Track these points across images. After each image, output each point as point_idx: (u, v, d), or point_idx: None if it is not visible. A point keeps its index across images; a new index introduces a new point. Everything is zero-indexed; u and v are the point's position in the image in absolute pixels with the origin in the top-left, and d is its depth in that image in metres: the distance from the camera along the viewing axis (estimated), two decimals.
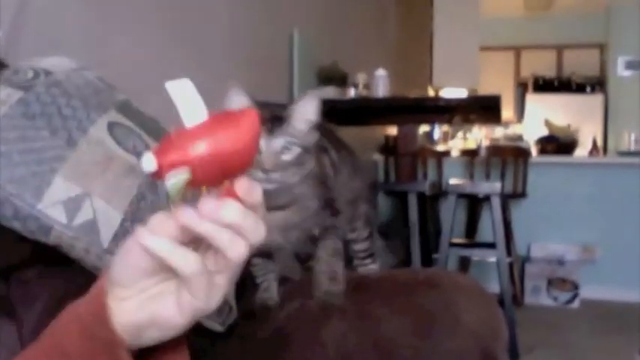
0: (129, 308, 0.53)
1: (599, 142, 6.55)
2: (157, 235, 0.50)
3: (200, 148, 0.47)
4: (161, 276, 0.53)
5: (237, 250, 0.50)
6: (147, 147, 1.00)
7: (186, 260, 0.50)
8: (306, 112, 0.99)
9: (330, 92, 3.27)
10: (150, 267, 0.52)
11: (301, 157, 0.97)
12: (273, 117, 0.97)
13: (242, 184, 0.50)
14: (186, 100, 0.49)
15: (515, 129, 7.62)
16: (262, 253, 1.10)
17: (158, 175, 0.48)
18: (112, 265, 0.53)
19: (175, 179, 0.47)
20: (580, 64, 7.86)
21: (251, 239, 0.51)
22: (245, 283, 1.11)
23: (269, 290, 1.11)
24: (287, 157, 0.96)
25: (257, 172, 0.93)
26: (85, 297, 0.55)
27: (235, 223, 0.49)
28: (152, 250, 0.49)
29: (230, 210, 0.49)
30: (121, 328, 0.52)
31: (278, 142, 0.95)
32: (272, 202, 1.00)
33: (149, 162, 0.47)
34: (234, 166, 0.49)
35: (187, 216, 0.49)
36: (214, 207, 0.49)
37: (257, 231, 0.51)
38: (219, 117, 0.50)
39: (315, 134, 1.01)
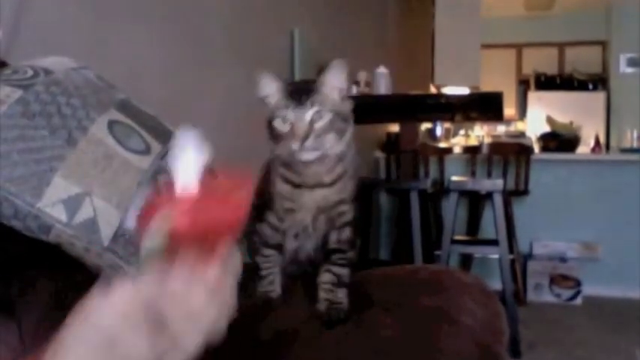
0: None
1: (602, 140, 6.54)
2: None
3: (186, 217, 0.47)
4: None
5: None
6: (147, 145, 1.00)
7: None
8: (334, 80, 1.03)
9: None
10: None
11: (335, 123, 1.01)
12: (301, 89, 1.02)
13: (223, 251, 0.50)
14: (187, 154, 0.49)
15: (517, 126, 7.61)
16: (274, 245, 1.11)
17: (143, 224, 0.48)
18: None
19: (152, 242, 0.47)
20: (582, 61, 7.84)
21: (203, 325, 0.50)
22: (245, 281, 1.11)
23: (273, 283, 1.11)
24: (319, 124, 0.99)
25: (292, 144, 0.98)
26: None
27: (210, 285, 0.49)
28: None
29: (208, 273, 0.49)
30: None
31: (308, 113, 0.99)
32: (316, 180, 1.05)
33: (132, 220, 0.47)
34: (222, 231, 0.49)
35: (166, 277, 0.48)
36: (193, 269, 0.48)
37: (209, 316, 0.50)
38: (216, 180, 0.51)
39: (350, 102, 1.05)
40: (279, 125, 1.01)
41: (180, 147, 0.48)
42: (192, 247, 0.48)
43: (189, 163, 0.48)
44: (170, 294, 0.48)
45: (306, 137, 0.97)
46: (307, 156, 1.00)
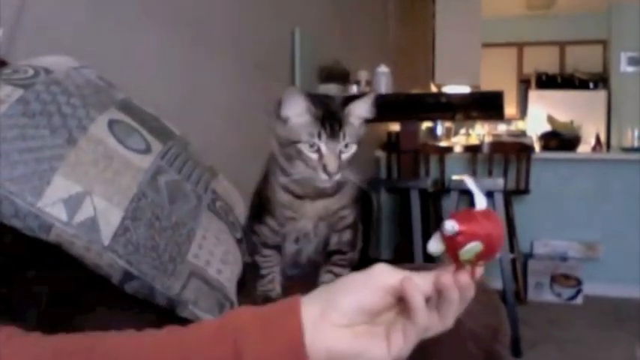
0: (343, 337, 0.59)
1: (603, 139, 6.54)
2: (418, 292, 0.60)
3: (492, 230, 0.60)
4: (381, 318, 0.61)
5: (452, 319, 0.63)
6: (147, 144, 1.00)
7: (425, 318, 0.61)
8: (362, 110, 1.04)
9: (332, 90, 3.27)
10: (381, 309, 0.61)
11: (354, 152, 1.03)
12: (332, 118, 1.00)
13: (479, 271, 0.62)
14: (478, 192, 0.63)
15: (518, 125, 7.61)
16: (273, 246, 1.11)
17: (453, 240, 0.59)
18: (341, 293, 0.61)
19: (472, 246, 0.59)
20: (583, 60, 7.84)
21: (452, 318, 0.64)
22: (245, 280, 1.11)
23: (273, 282, 1.11)
24: (345, 156, 1.01)
25: (322, 174, 0.98)
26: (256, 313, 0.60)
27: (465, 301, 0.63)
28: (411, 299, 0.60)
29: (472, 291, 0.62)
30: (325, 353, 0.58)
31: (339, 146, 0.99)
32: (318, 191, 1.05)
33: (452, 226, 0.59)
34: (493, 252, 0.60)
35: (447, 283, 0.60)
36: (467, 283, 0.61)
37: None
38: (488, 212, 0.63)
39: (364, 127, 1.06)
40: (305, 151, 0.99)
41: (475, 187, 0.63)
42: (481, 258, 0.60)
43: (480, 194, 0.63)
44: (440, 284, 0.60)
45: (337, 171, 0.98)
46: (325, 184, 1.00)
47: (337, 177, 0.99)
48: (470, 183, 0.64)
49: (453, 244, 0.59)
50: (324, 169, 0.97)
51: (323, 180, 0.99)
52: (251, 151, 2.43)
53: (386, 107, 3.29)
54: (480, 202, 0.62)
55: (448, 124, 6.10)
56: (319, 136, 0.98)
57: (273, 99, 1.04)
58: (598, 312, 3.90)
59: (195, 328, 0.60)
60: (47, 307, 0.84)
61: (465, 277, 0.60)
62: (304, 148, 0.99)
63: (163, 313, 0.92)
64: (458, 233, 0.59)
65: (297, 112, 1.01)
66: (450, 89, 5.82)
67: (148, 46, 1.79)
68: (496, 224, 0.60)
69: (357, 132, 1.02)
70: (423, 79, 6.11)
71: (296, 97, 1.00)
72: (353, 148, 1.01)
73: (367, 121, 1.06)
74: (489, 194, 3.12)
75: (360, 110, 1.03)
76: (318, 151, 0.98)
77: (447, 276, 0.60)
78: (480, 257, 0.60)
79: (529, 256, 4.35)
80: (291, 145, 1.00)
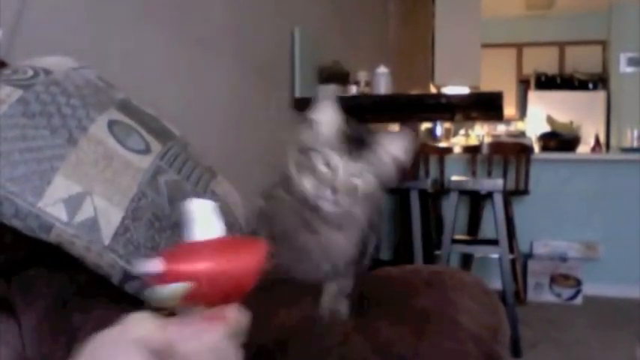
0: None
1: (602, 139, 6.54)
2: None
3: (209, 266, 0.49)
4: None
5: None
6: (147, 145, 1.00)
7: None
8: (394, 146, 0.96)
9: (332, 90, 3.27)
10: None
11: (373, 188, 0.93)
12: (357, 138, 0.93)
13: (233, 312, 0.51)
14: (206, 217, 0.51)
15: (517, 126, 7.61)
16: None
17: (161, 280, 0.48)
18: None
19: (176, 286, 0.48)
20: (582, 60, 7.84)
21: None
22: None
23: None
24: (358, 182, 0.91)
25: (326, 190, 0.90)
26: None
27: (216, 349, 0.50)
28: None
29: (215, 335, 0.49)
30: None
31: (355, 166, 0.91)
32: (333, 222, 0.96)
33: (156, 265, 0.48)
34: (234, 290, 0.50)
35: (175, 334, 0.48)
36: (202, 329, 0.49)
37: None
38: (231, 241, 0.53)
39: (395, 172, 0.97)
40: (316, 161, 0.91)
41: (198, 213, 0.51)
42: (211, 293, 0.49)
43: (210, 220, 0.51)
44: (186, 334, 0.49)
45: (337, 191, 0.89)
46: (328, 207, 0.91)
47: (340, 200, 0.89)
48: (201, 208, 0.51)
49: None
50: (326, 183, 0.90)
51: (325, 197, 0.90)
52: (251, 151, 2.43)
53: (385, 108, 3.30)
54: (205, 229, 0.51)
55: (447, 124, 6.10)
56: (336, 150, 0.91)
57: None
58: (598, 312, 3.90)
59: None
60: (47, 307, 0.85)
61: (194, 324, 0.49)
62: (317, 158, 0.91)
63: None
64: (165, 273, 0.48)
65: (325, 120, 0.94)
66: (450, 90, 5.81)
67: (146, 46, 1.79)
68: (226, 255, 0.50)
69: (382, 167, 0.94)
70: (422, 80, 6.11)
71: (330, 105, 0.95)
72: (368, 179, 0.91)
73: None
74: (489, 195, 3.12)
75: (391, 145, 0.95)
76: (329, 168, 0.91)
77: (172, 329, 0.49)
78: (193, 298, 0.49)
79: (529, 256, 4.35)
80: (307, 152, 0.93)
